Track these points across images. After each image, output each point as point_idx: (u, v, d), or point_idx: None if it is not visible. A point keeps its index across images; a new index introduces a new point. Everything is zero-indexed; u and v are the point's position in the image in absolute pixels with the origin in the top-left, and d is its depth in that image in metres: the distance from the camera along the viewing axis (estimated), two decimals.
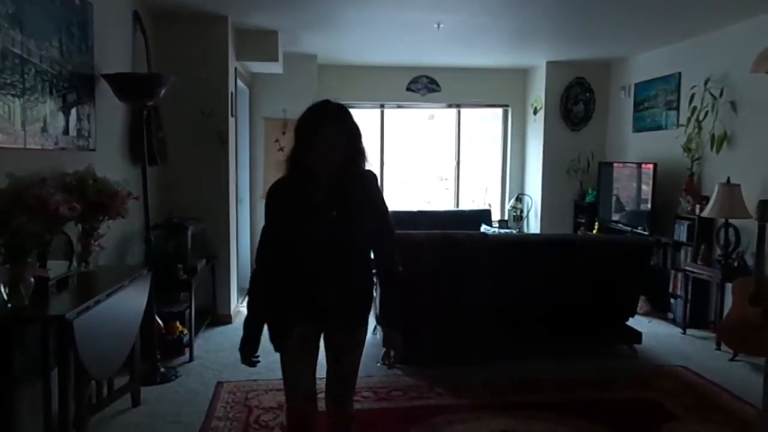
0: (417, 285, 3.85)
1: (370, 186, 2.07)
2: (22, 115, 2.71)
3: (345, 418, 2.23)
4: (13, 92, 2.64)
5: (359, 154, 2.04)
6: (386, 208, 2.10)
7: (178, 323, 4.24)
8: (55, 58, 3.02)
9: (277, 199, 2.08)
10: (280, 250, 2.06)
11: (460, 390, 3.58)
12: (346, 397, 2.23)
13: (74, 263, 3.04)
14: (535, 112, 7.23)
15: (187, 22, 4.71)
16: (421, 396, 3.51)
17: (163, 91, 3.68)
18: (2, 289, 2.38)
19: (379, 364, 3.87)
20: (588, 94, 7.02)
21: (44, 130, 2.93)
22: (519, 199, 7.58)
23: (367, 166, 2.08)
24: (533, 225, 7.31)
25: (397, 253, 2.12)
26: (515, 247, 4.21)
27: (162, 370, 3.78)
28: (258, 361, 2.13)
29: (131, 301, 3.11)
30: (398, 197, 7.51)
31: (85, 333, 2.49)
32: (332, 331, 2.15)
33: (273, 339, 2.11)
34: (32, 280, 2.47)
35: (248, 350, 2.12)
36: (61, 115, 3.10)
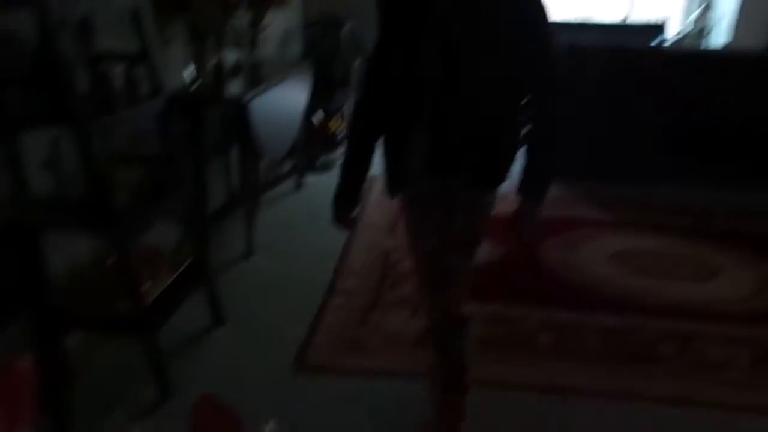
0: (579, 96, 3.64)
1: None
2: None
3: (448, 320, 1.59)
4: None
5: None
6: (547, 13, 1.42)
7: (332, 120, 4.47)
8: None
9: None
10: (387, 81, 1.49)
11: (609, 206, 3.52)
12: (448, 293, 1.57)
13: (244, 52, 3.23)
14: None
15: None
16: (566, 207, 3.51)
17: None
18: (187, 72, 2.61)
19: None
20: None
21: None
22: (708, 7, 6.54)
23: None
24: (722, 40, 6.38)
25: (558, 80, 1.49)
26: (693, 63, 3.76)
27: (320, 160, 4.10)
28: (355, 224, 1.73)
29: (296, 91, 3.30)
30: (555, 4, 6.83)
31: (259, 115, 2.72)
32: (457, 187, 1.50)
33: (387, 185, 1.60)
34: (212, 62, 2.68)
35: (344, 205, 1.59)
36: None
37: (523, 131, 1.51)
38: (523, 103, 1.46)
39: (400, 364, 2.11)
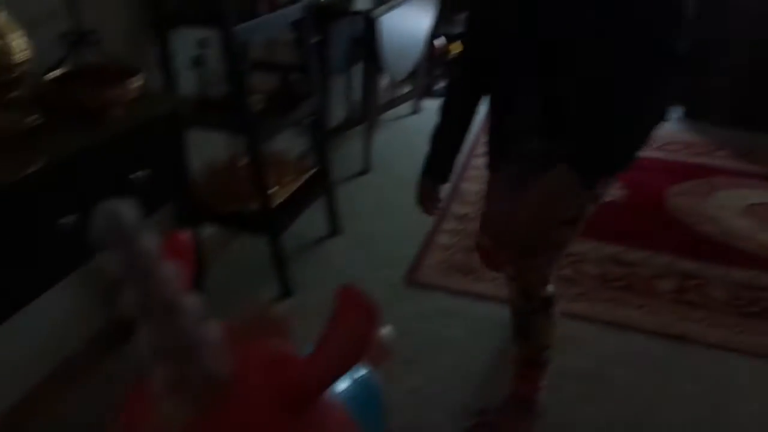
0: (722, 40, 3.30)
1: None
2: None
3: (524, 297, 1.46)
4: None
5: None
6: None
7: (453, 45, 4.34)
8: None
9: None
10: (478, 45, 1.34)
11: (751, 156, 3.22)
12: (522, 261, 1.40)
13: None
14: None
15: None
16: (703, 153, 3.26)
17: None
18: None
19: None
20: None
21: None
22: None
23: None
24: None
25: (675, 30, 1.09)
26: None
27: (438, 86, 4.03)
28: (438, 208, 1.50)
29: (421, 12, 3.22)
30: None
31: (386, 32, 2.69)
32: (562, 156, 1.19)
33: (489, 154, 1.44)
34: None
35: (431, 181, 1.44)
36: None
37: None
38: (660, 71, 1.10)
39: (501, 290, 2.11)
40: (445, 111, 1.42)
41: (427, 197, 1.45)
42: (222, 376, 0.68)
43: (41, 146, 1.19)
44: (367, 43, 2.68)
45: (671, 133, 3.44)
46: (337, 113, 3.12)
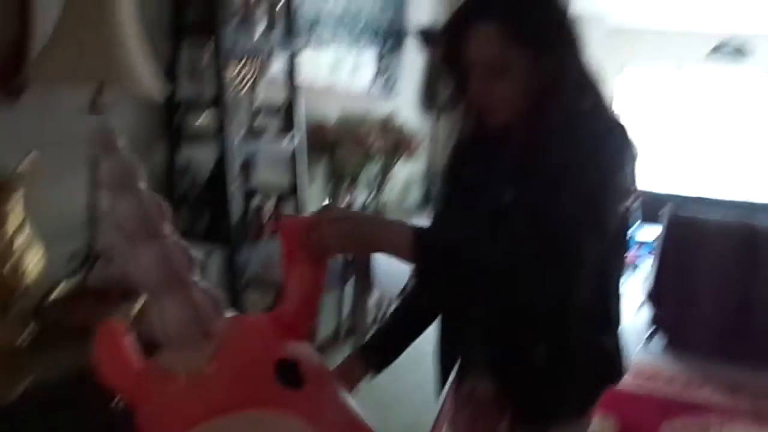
0: (699, 272, 3.52)
1: (585, 143, 0.96)
2: (351, 61, 3.14)
3: None
4: (348, 41, 3.06)
5: (559, 77, 0.99)
6: (602, 188, 0.95)
7: None
8: (375, 13, 3.40)
9: (445, 170, 1.21)
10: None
11: (738, 391, 3.20)
12: None
13: (372, 194, 3.46)
14: None
15: None
16: (688, 388, 3.24)
17: None
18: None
19: (641, 346, 3.67)
20: None
21: (363, 76, 3.35)
22: None
23: (599, 113, 1.04)
24: None
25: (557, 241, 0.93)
26: None
27: None
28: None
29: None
30: (680, 174, 6.80)
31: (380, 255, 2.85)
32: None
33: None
34: (345, 201, 2.90)
35: (358, 359, 1.18)
36: (375, 64, 3.50)
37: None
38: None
39: None
40: (406, 296, 1.31)
41: (341, 374, 1.11)
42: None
43: (32, 365, 1.19)
44: (359, 262, 2.81)
45: (656, 361, 3.46)
46: (326, 327, 3.14)
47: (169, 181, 1.91)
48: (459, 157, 1.17)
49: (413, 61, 4.12)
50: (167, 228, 0.80)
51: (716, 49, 6.43)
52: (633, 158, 1.00)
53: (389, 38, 3.62)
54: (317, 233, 0.85)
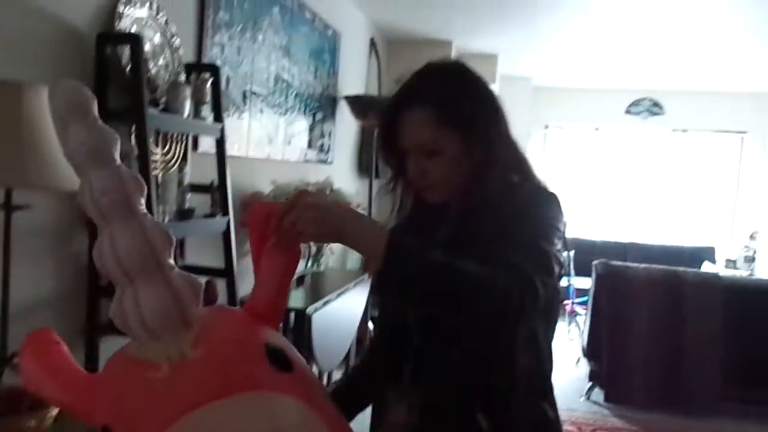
0: (631, 322, 3.63)
1: (519, 206, 1.04)
2: (284, 131, 3.15)
3: None
4: (280, 111, 3.07)
5: (490, 155, 1.05)
6: (543, 230, 1.00)
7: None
8: (309, 81, 3.45)
9: None
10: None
11: None
12: None
13: (309, 263, 3.42)
14: None
15: (416, 47, 5.02)
16: None
17: None
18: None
19: (582, 399, 3.72)
20: None
21: (296, 144, 3.36)
22: (753, 237, 6.69)
23: (526, 179, 1.11)
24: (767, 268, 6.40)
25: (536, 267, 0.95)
26: (754, 293, 3.74)
27: None
28: None
29: (354, 302, 3.40)
30: (606, 226, 7.11)
31: (320, 327, 2.79)
32: None
33: None
34: None
35: None
36: (308, 132, 3.53)
37: None
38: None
39: None
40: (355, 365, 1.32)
41: None
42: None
43: None
44: (299, 340, 2.74)
45: (595, 418, 3.50)
46: None
47: (92, 273, 1.82)
48: (399, 233, 1.13)
49: (348, 127, 4.19)
50: (142, 206, 0.76)
51: (634, 105, 6.88)
52: (563, 220, 1.04)
53: (322, 106, 3.67)
54: (290, 218, 0.84)
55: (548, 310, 1.06)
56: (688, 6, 3.79)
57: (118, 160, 0.77)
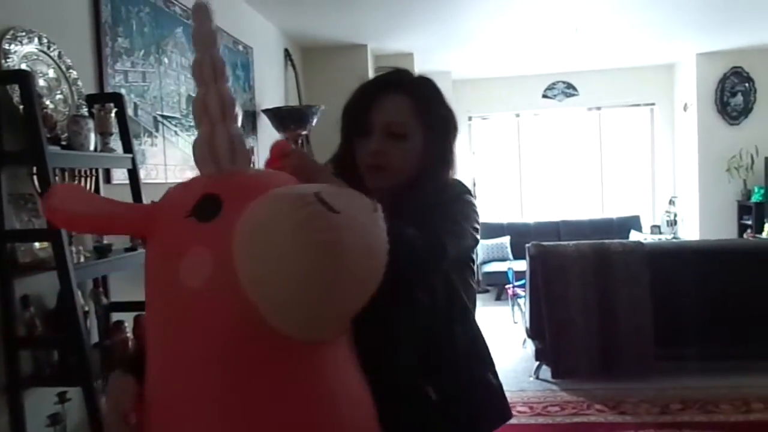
0: (567, 298, 3.76)
1: (449, 208, 1.13)
2: None
3: None
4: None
5: (443, 158, 1.18)
6: (461, 222, 1.12)
7: None
8: None
9: None
10: None
11: (621, 407, 3.42)
12: None
13: None
14: (686, 108, 6.73)
15: (331, 52, 5.03)
16: (580, 412, 3.41)
17: (315, 121, 3.97)
18: None
19: (531, 378, 3.83)
20: (747, 84, 6.40)
21: None
22: (671, 202, 7.07)
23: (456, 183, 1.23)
24: (689, 229, 6.78)
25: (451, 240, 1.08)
26: (675, 256, 3.95)
27: None
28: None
29: None
30: (538, 208, 7.34)
31: None
32: None
33: None
34: None
35: None
36: None
37: None
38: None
39: None
40: None
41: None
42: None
43: None
44: None
45: (545, 395, 3.61)
46: None
47: (8, 324, 1.72)
48: None
49: (271, 140, 4.15)
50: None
51: (549, 88, 7.13)
52: (477, 212, 1.18)
53: (242, 122, 3.62)
54: (286, 161, 1.03)
55: (464, 272, 1.19)
56: None
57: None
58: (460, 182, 1.23)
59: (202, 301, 0.85)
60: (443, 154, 1.18)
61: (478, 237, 1.17)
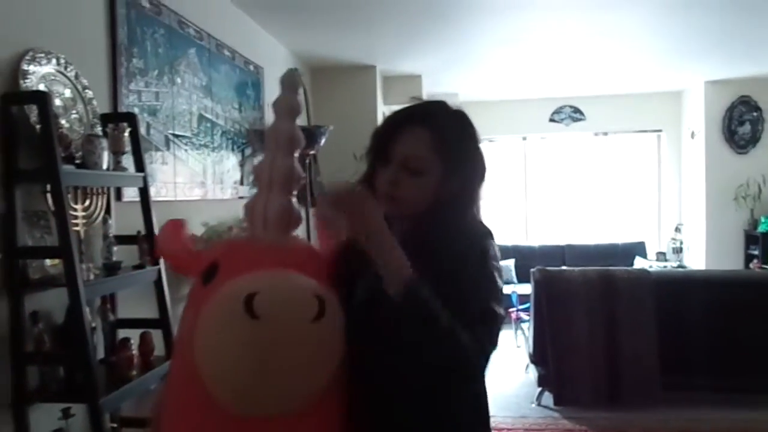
0: (572, 325, 3.75)
1: (466, 252, 1.08)
2: (213, 170, 3.12)
3: None
4: (206, 151, 3.05)
5: (465, 192, 1.15)
6: (484, 283, 1.08)
7: None
8: (235, 118, 3.45)
9: (338, 263, 1.18)
10: None
11: None
12: None
13: None
14: (693, 135, 6.75)
15: (340, 72, 5.09)
16: None
17: (323, 141, 4.00)
18: None
19: (533, 405, 3.80)
20: (755, 114, 6.42)
21: (228, 182, 3.33)
22: (678, 229, 7.06)
23: (478, 220, 1.18)
24: (695, 257, 6.75)
25: (481, 337, 1.03)
26: (681, 285, 3.94)
27: None
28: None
29: None
30: (543, 231, 7.34)
31: None
32: None
33: None
34: None
35: None
36: (238, 168, 3.51)
37: None
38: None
39: None
40: None
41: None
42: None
43: None
44: None
45: (546, 422, 3.59)
46: None
47: (16, 340, 1.74)
48: (347, 251, 1.16)
49: None
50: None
51: (556, 112, 7.17)
52: (498, 256, 1.14)
53: (252, 141, 3.66)
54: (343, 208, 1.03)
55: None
56: (598, 16, 4.02)
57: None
58: (481, 223, 1.18)
59: (188, 351, 1.02)
60: (464, 193, 1.15)
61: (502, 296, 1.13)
